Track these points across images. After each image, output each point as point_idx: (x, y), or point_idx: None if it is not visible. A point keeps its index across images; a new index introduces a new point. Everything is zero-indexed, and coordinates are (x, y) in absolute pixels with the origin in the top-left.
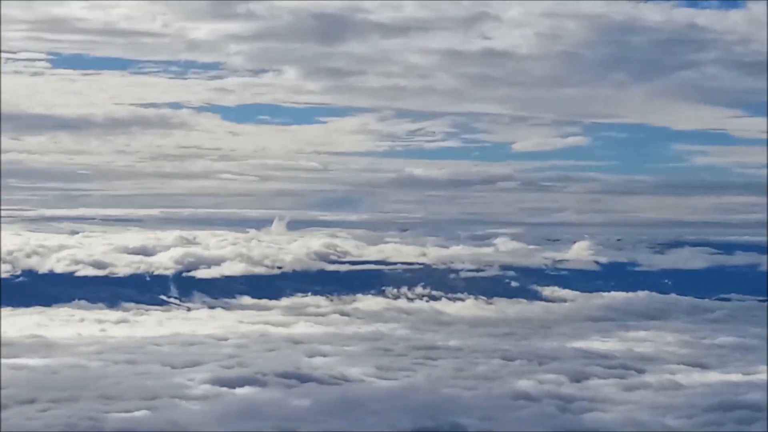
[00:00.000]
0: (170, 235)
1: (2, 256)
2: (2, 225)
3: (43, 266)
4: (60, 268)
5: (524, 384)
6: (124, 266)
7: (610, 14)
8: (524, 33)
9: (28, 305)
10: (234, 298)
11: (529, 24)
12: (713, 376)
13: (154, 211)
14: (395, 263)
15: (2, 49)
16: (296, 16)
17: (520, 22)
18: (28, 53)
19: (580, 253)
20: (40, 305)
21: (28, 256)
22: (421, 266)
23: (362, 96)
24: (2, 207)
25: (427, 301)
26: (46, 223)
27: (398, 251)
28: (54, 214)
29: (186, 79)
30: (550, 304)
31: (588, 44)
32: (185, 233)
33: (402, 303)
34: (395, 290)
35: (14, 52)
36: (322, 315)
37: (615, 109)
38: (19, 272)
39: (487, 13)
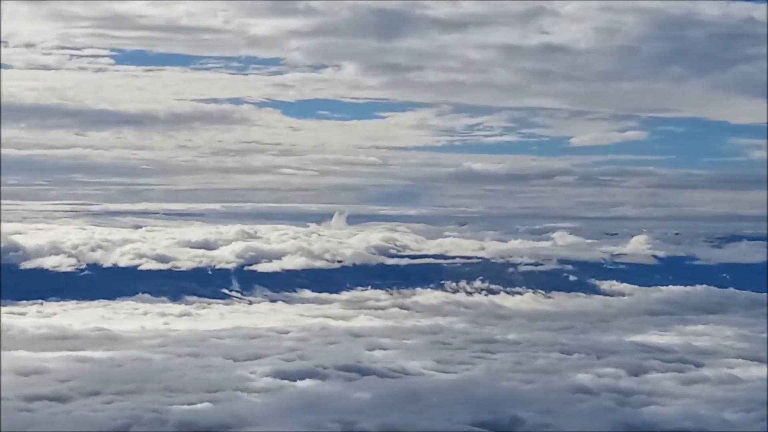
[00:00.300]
0: (232, 229)
1: (67, 250)
2: (66, 219)
3: (108, 260)
4: (124, 262)
5: (583, 378)
6: (186, 260)
7: (668, 8)
8: (582, 28)
9: (92, 299)
10: (295, 291)
11: (586, 19)
12: None
13: (216, 206)
14: (454, 257)
15: (67, 45)
16: (355, 11)
17: (578, 16)
18: (91, 50)
19: (638, 247)
20: (104, 299)
21: (93, 250)
22: (480, 260)
23: (421, 91)
24: (66, 202)
25: (485, 295)
26: (110, 218)
27: (457, 245)
28: (118, 209)
29: (247, 74)
30: (608, 298)
31: (646, 39)
32: (246, 227)
33: (461, 297)
34: (454, 284)
35: (78, 49)
36: (382, 308)
37: (673, 103)
38: (83, 266)
39: (544, 8)
